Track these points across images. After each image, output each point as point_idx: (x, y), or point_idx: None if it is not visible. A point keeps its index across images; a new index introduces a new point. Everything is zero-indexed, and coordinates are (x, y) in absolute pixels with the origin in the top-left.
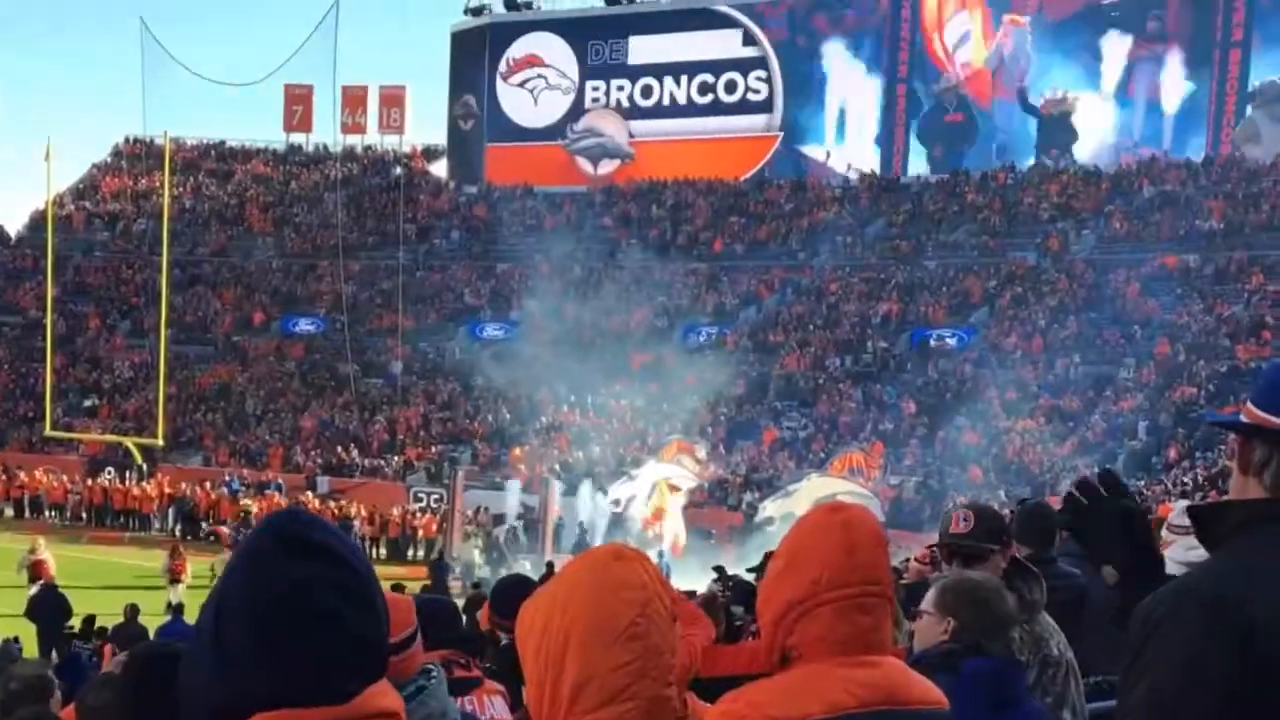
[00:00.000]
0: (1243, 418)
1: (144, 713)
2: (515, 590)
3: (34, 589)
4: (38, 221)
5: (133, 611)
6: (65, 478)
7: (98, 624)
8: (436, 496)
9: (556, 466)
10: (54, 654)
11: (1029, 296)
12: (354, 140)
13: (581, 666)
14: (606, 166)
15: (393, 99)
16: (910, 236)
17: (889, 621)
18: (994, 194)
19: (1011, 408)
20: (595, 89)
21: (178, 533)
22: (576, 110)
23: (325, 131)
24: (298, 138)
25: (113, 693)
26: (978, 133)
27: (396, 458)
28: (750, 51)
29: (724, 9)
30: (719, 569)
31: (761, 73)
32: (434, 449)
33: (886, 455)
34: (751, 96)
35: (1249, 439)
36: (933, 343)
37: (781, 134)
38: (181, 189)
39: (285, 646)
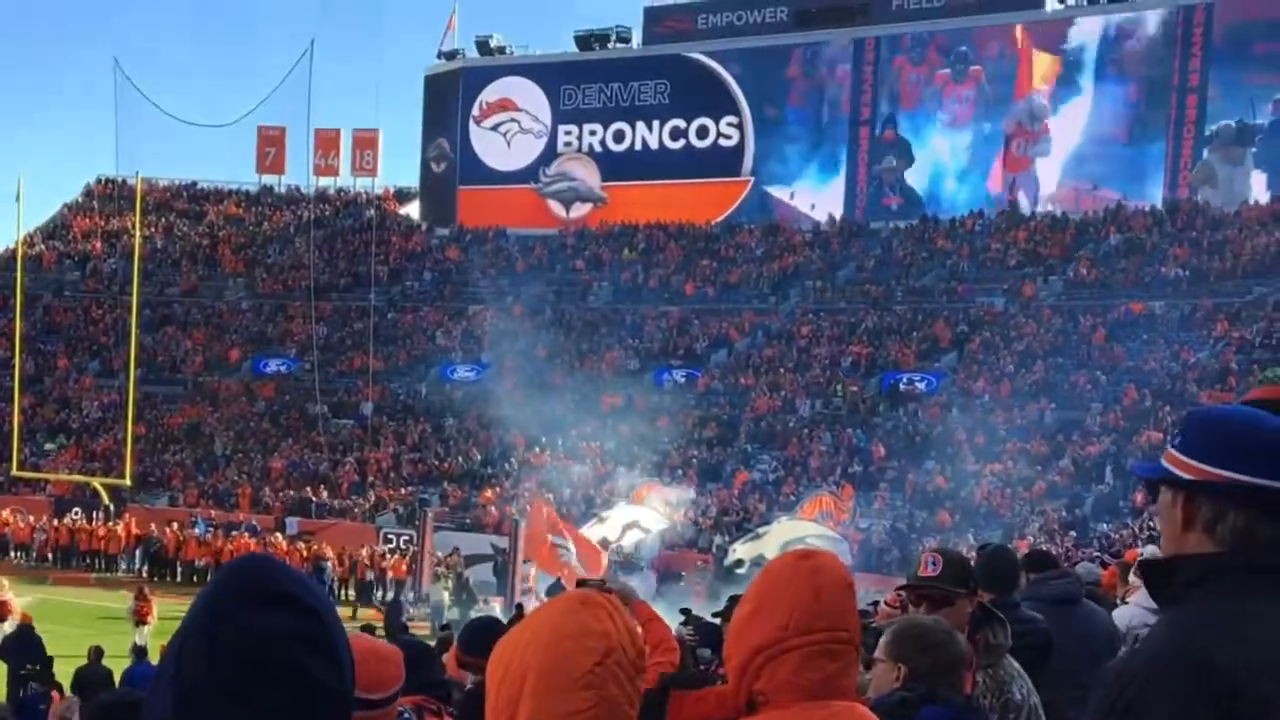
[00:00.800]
0: (1173, 469)
1: None
2: (484, 632)
3: (5, 627)
4: (7, 260)
5: (97, 654)
6: (31, 518)
7: (59, 665)
8: (406, 538)
9: (527, 508)
10: (22, 694)
11: (997, 341)
12: (327, 182)
13: (533, 710)
14: (579, 209)
15: (366, 141)
16: (880, 281)
17: (855, 668)
18: (962, 240)
19: (980, 451)
20: (568, 133)
21: (144, 574)
22: (549, 154)
23: (298, 173)
24: (270, 179)
25: None
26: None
27: (366, 498)
28: (721, 98)
29: (696, 56)
30: (685, 611)
31: (733, 118)
32: (404, 490)
33: (856, 498)
34: (723, 142)
35: (1192, 494)
36: (902, 386)
37: (752, 179)
38: (153, 229)
39: (246, 696)
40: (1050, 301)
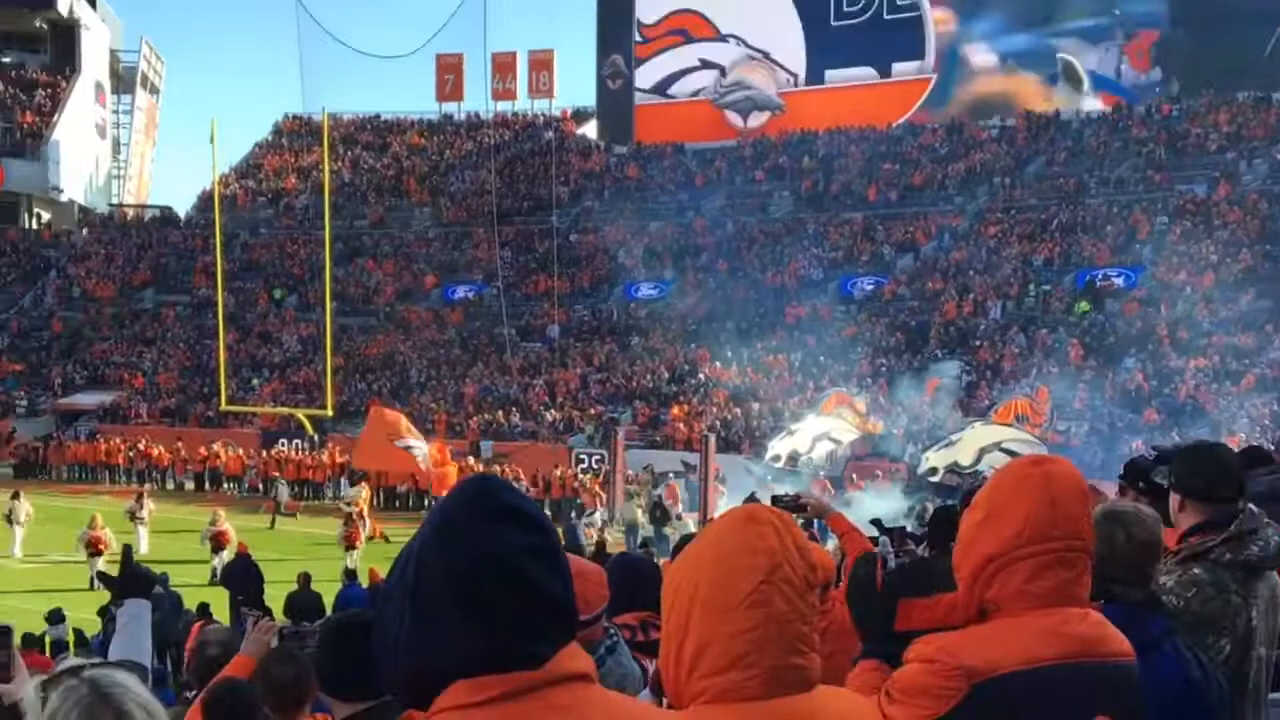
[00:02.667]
0: None
1: (337, 684)
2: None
3: (220, 558)
4: (205, 202)
5: (305, 579)
6: (241, 450)
7: (271, 591)
8: (598, 457)
9: (716, 423)
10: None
11: (1199, 230)
12: (505, 106)
13: (702, 631)
14: (757, 119)
15: (541, 63)
16: (1071, 174)
17: (1088, 575)
18: (1159, 126)
19: (1183, 346)
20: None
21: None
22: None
23: (477, 99)
24: (450, 107)
25: (296, 667)
26: None
27: (555, 417)
28: None
29: None
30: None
31: (913, 12)
32: (593, 410)
33: (1053, 401)
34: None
35: None
36: (1099, 283)
37: (935, 76)
38: (340, 163)
39: (484, 610)
40: (1256, 186)
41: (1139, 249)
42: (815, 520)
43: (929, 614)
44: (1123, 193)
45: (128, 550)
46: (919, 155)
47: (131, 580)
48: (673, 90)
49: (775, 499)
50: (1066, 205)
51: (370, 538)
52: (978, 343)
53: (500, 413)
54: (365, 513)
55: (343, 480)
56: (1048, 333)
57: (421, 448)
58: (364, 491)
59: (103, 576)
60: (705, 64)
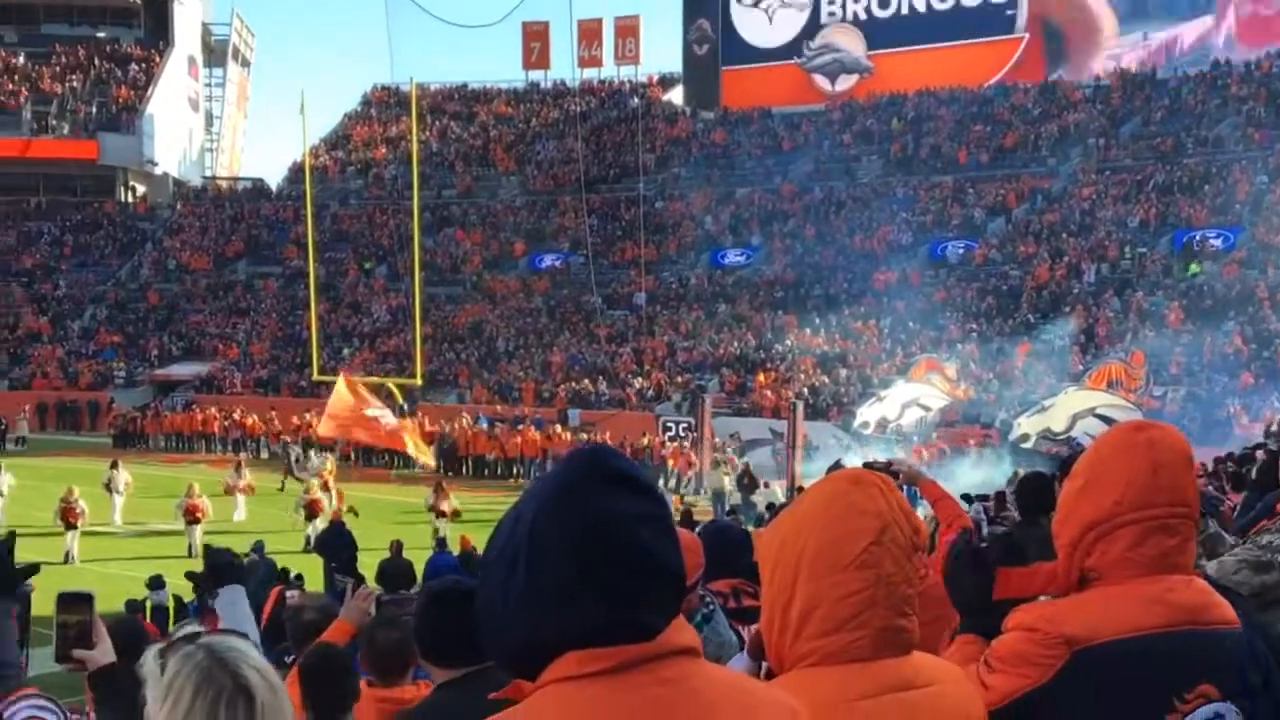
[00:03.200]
0: None
1: (437, 651)
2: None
3: (314, 525)
4: (296, 173)
5: (397, 548)
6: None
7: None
8: (685, 425)
9: (804, 390)
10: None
11: None
12: (591, 74)
13: (810, 593)
14: (845, 82)
15: (627, 30)
16: (1168, 134)
17: (1193, 543)
18: (1259, 84)
19: None
20: (831, 3)
21: (439, 469)
22: (812, 27)
23: (563, 67)
24: (536, 75)
25: (400, 631)
26: None
27: (643, 385)
28: None
29: None
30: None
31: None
32: (681, 377)
33: (1149, 365)
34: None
35: None
36: (1196, 245)
37: (1026, 35)
38: (428, 133)
39: (602, 579)
40: None
41: (1238, 209)
42: (907, 486)
43: (1028, 582)
44: (1221, 152)
45: (208, 549)
46: (1010, 116)
47: (216, 572)
48: (760, 52)
49: (868, 465)
50: (1163, 165)
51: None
52: (1070, 307)
53: (587, 381)
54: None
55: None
56: (1144, 295)
57: (388, 415)
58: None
59: (191, 576)
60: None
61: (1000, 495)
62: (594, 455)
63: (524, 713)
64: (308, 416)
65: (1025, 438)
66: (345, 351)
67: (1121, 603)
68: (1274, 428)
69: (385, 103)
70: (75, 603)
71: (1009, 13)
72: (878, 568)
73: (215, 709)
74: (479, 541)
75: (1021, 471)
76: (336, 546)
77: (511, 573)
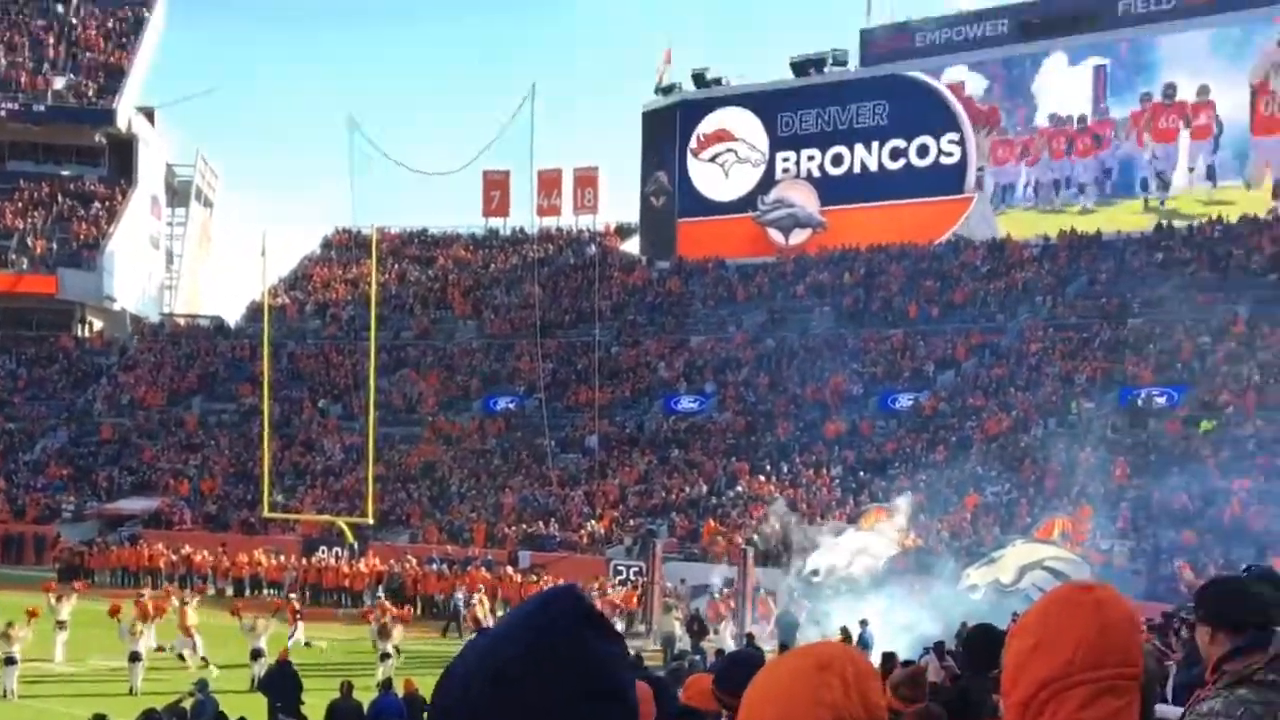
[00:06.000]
0: None
1: None
2: (743, 667)
3: (260, 664)
4: (255, 312)
5: (347, 688)
6: (282, 557)
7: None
8: (636, 569)
9: (754, 537)
10: None
11: (1242, 351)
12: (550, 222)
13: None
14: (798, 236)
15: (586, 180)
16: (1114, 294)
17: (1137, 704)
18: (1200, 247)
19: (1227, 467)
20: (785, 160)
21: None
22: (767, 182)
23: (522, 215)
24: (495, 222)
25: None
26: None
27: (594, 528)
28: (941, 115)
29: (914, 74)
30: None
31: (954, 135)
32: (632, 522)
33: (1095, 519)
34: (944, 159)
35: None
36: (1141, 402)
37: (976, 194)
38: (387, 275)
39: (580, 715)
40: None
41: (1182, 369)
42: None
43: None
44: (1165, 312)
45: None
46: (960, 273)
47: None
48: (715, 205)
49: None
50: (1109, 324)
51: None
52: (1019, 460)
53: (539, 523)
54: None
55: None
56: (1091, 450)
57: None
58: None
59: None
60: (748, 179)
61: (940, 644)
62: (572, 597)
63: None
64: (256, 553)
65: (974, 588)
66: (298, 489)
67: None
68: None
69: (346, 245)
70: None
71: (958, 173)
72: None
73: None
74: (424, 684)
75: (969, 623)
76: (282, 687)
77: (487, 708)
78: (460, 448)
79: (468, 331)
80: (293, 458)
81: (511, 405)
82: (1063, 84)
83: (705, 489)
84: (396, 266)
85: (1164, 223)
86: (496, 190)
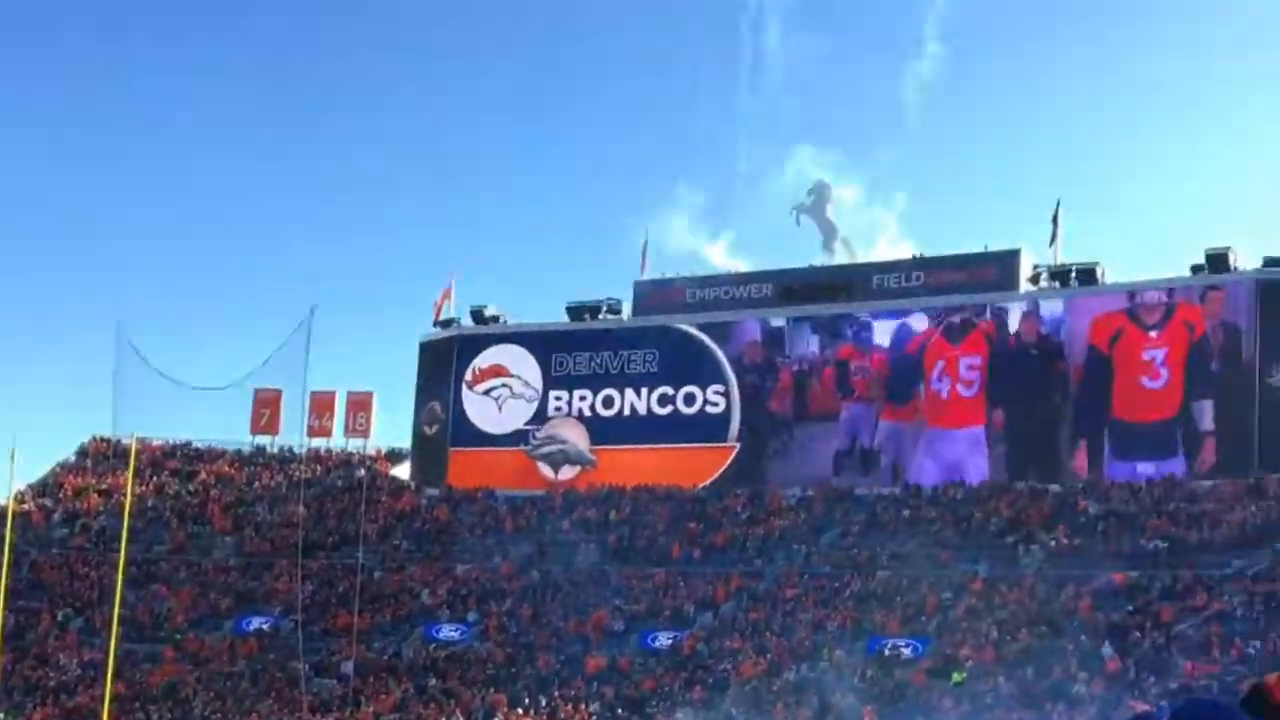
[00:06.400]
0: None
1: None
2: None
3: None
4: None
5: None
6: None
7: None
8: None
9: None
10: None
11: (980, 608)
12: (319, 443)
13: None
14: (567, 472)
15: (360, 404)
16: (864, 546)
17: None
18: (945, 508)
19: (966, 717)
20: (558, 398)
21: None
22: (539, 418)
23: (292, 434)
24: (264, 439)
25: None
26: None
27: None
28: (708, 367)
29: (684, 327)
30: None
31: (719, 386)
32: None
33: None
34: (709, 409)
35: None
36: (888, 651)
37: (738, 444)
38: (145, 487)
39: None
40: (1033, 569)
41: (926, 622)
42: None
43: None
44: (910, 567)
45: None
46: (722, 517)
47: None
48: (488, 436)
49: None
50: (859, 574)
51: None
52: (771, 704)
53: None
54: None
55: None
56: (840, 697)
57: None
58: None
59: None
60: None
61: None
62: None
63: None
64: None
65: None
66: (27, 706)
67: None
68: None
69: (103, 454)
70: None
71: (723, 422)
72: None
73: None
74: None
75: None
76: None
77: None
78: (208, 668)
79: (225, 548)
80: (24, 671)
81: (266, 626)
82: (814, 348)
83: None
84: (156, 478)
85: (924, 483)
86: (267, 408)
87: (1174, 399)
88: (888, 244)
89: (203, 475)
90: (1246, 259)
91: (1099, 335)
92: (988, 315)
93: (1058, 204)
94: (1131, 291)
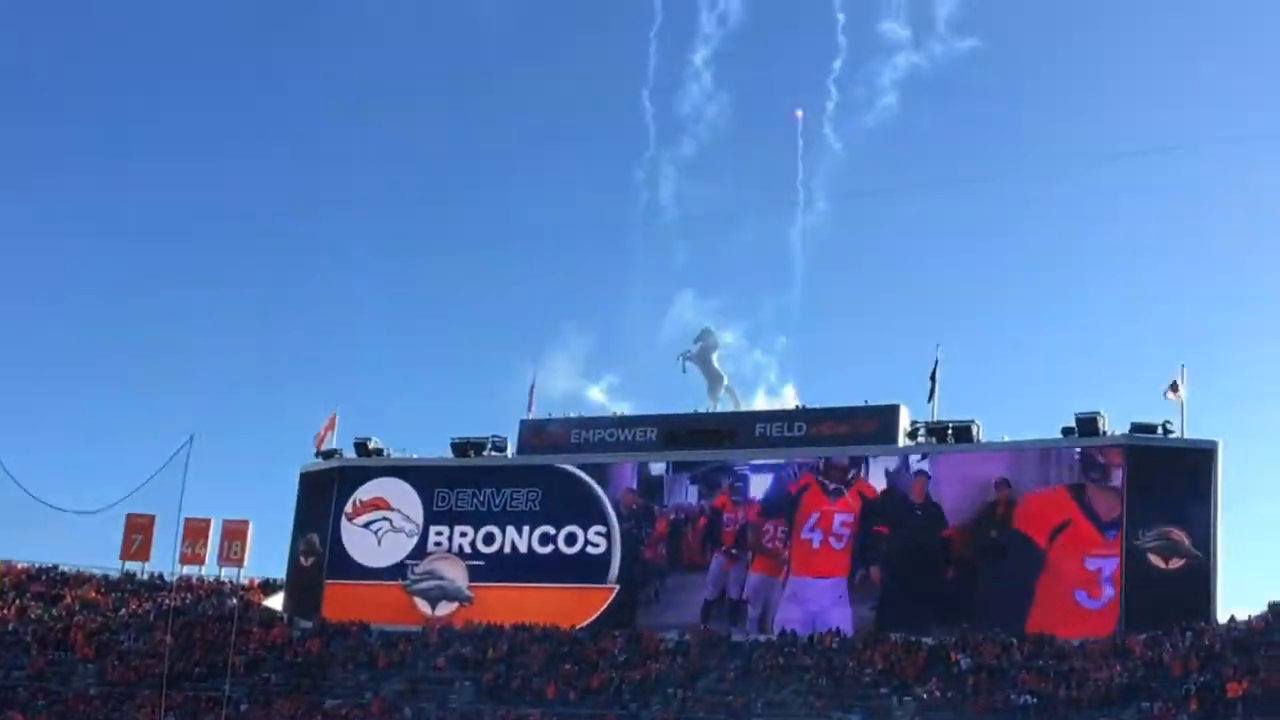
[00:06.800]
0: None
1: None
2: None
3: None
4: None
5: None
6: None
7: None
8: None
9: None
10: None
11: None
12: (191, 570)
13: None
14: (445, 608)
15: (236, 533)
16: (740, 693)
17: None
18: (820, 656)
19: None
20: (439, 533)
21: None
22: (419, 552)
23: (163, 560)
24: (134, 565)
25: None
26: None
27: None
28: (591, 507)
29: (567, 467)
30: None
31: (600, 528)
32: None
33: None
34: (590, 549)
35: None
36: None
37: (617, 586)
38: (6, 610)
39: None
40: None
41: None
42: None
43: None
44: (786, 715)
45: None
46: (599, 659)
47: None
48: (365, 570)
49: None
50: None
51: None
52: None
53: None
54: None
55: None
56: None
57: None
58: None
59: None
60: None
61: None
62: None
63: None
64: None
65: None
66: None
67: None
68: None
69: None
70: None
71: (603, 563)
72: None
73: None
74: None
75: None
76: None
77: None
78: None
79: (87, 675)
80: None
81: None
82: (691, 498)
83: None
84: (18, 602)
85: (787, 629)
86: (139, 534)
87: None
88: (767, 391)
89: (68, 600)
90: (1116, 422)
91: (974, 497)
92: (866, 467)
93: (935, 361)
94: (1010, 450)
